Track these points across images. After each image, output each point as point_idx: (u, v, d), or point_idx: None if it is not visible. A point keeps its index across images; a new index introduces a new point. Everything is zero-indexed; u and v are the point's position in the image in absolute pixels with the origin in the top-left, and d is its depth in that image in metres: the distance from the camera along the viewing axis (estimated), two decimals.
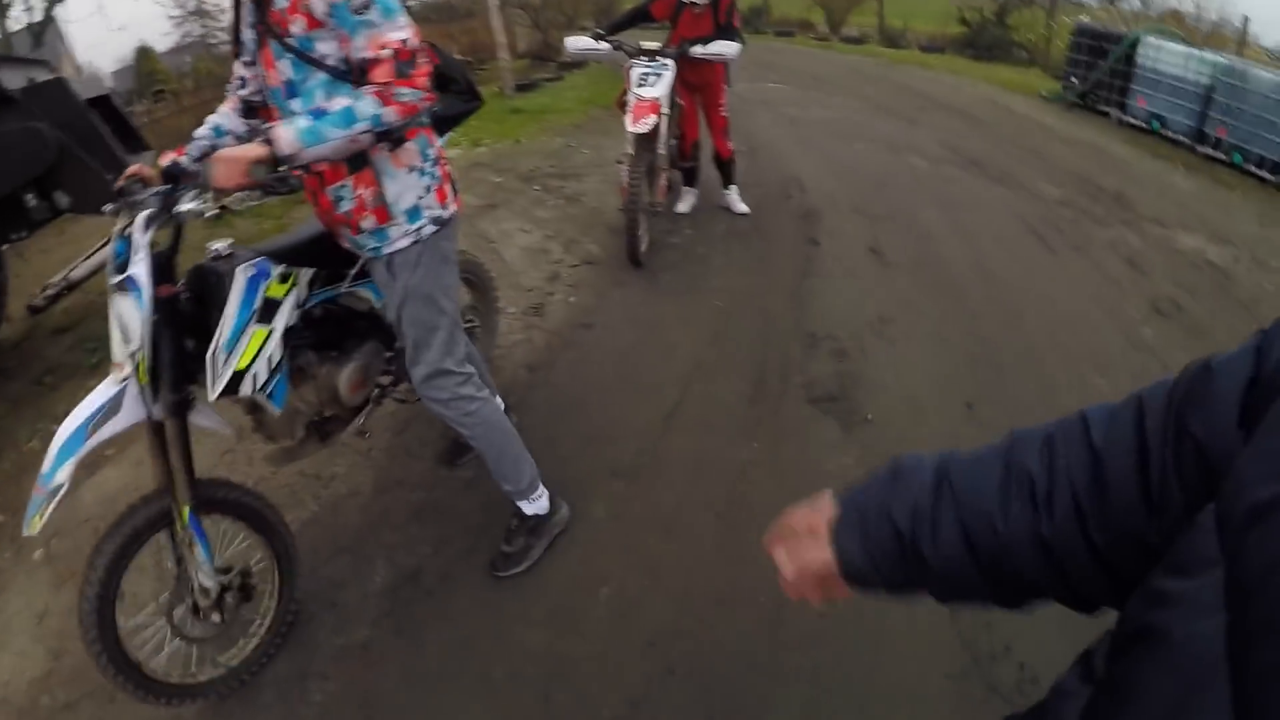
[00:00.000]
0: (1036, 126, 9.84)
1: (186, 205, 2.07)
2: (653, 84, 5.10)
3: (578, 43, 5.58)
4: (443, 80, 2.58)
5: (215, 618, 2.42)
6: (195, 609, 2.40)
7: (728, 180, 6.24)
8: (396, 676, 2.55)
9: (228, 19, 2.31)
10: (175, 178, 2.31)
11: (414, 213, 2.42)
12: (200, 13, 26.59)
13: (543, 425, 3.45)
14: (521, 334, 4.48)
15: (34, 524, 2.13)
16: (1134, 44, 10.09)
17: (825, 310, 4.61)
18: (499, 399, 3.10)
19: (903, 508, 0.90)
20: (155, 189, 2.17)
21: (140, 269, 2.09)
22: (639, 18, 5.84)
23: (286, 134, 2.00)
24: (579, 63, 14.18)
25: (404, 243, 2.43)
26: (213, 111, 2.59)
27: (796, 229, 5.91)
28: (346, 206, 2.35)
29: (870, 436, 3.48)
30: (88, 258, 6.18)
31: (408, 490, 3.34)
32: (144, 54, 27.08)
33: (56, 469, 2.13)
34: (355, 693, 2.51)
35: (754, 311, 4.64)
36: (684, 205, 6.28)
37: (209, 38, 26.96)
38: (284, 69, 2.18)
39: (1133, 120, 10.10)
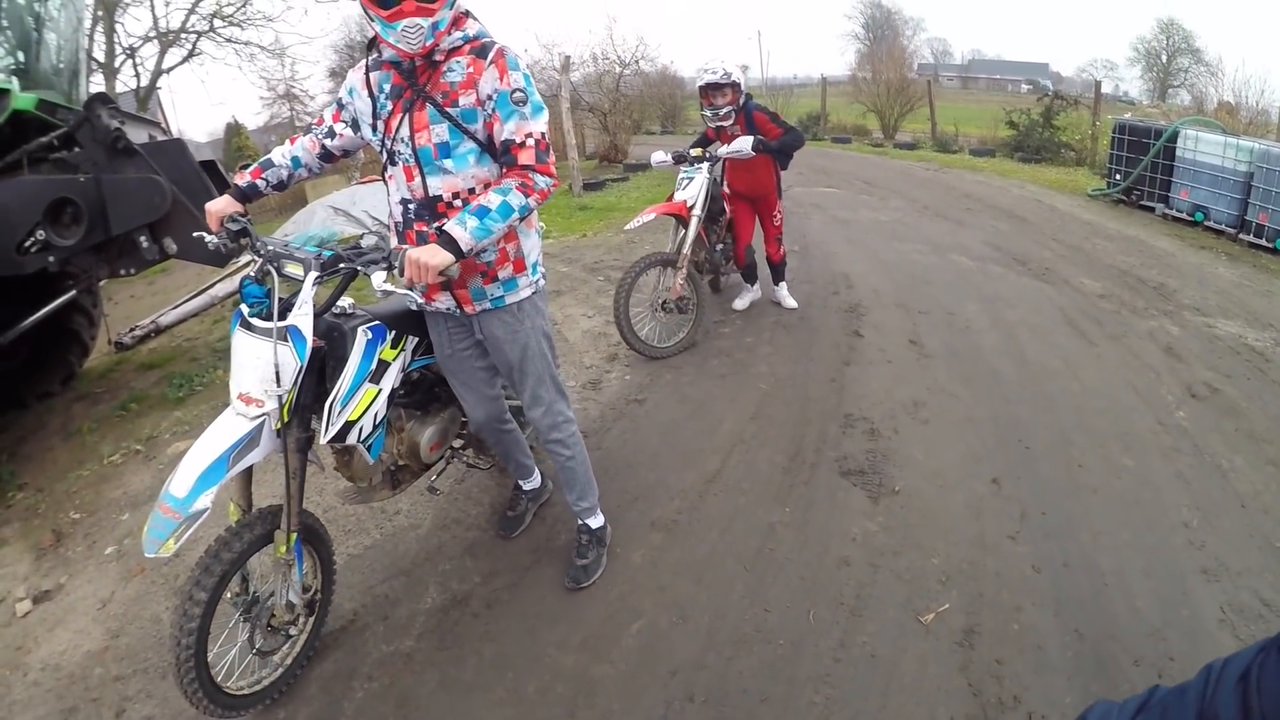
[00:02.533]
0: (1080, 224, 9.94)
1: (383, 285, 2.37)
2: (684, 187, 5.54)
3: (657, 156, 6.09)
4: None
5: (292, 630, 2.73)
6: (269, 625, 2.67)
7: (777, 278, 6.50)
8: (435, 683, 2.82)
9: (349, 82, 2.77)
10: (248, 198, 2.80)
11: (534, 267, 2.87)
12: (289, 96, 28.25)
13: None
14: (579, 405, 4.82)
15: (168, 546, 2.24)
16: (1173, 136, 10.08)
17: (862, 395, 4.80)
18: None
19: None
20: (300, 245, 2.54)
21: (305, 322, 2.40)
22: (701, 143, 6.07)
23: (463, 235, 2.36)
24: (644, 165, 14.83)
25: (527, 292, 2.85)
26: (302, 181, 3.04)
27: (841, 322, 6.14)
28: (489, 257, 2.71)
29: (896, 506, 3.65)
30: (176, 307, 6.69)
31: (464, 529, 3.68)
32: (234, 129, 28.86)
33: (197, 495, 2.27)
34: (395, 693, 2.79)
35: (795, 394, 4.88)
36: (741, 303, 6.53)
37: (296, 120, 28.58)
38: (439, 133, 2.54)
39: (1176, 213, 10.05)
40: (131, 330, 6.97)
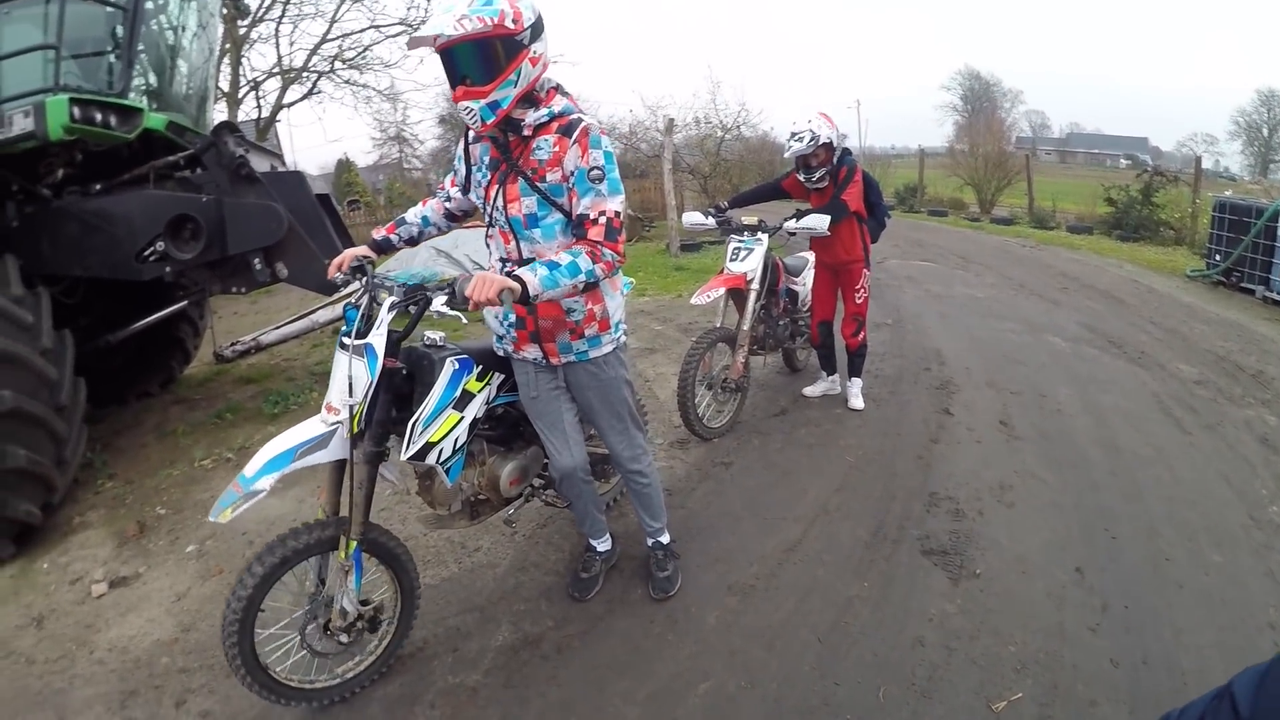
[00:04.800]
0: (1178, 306, 9.72)
1: (440, 306, 2.47)
2: (743, 258, 5.29)
3: (691, 218, 5.67)
4: None
5: (343, 638, 2.82)
6: (325, 627, 2.80)
7: (852, 371, 5.97)
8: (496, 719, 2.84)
9: (457, 151, 3.02)
10: (382, 249, 3.03)
11: (617, 325, 3.10)
12: (399, 139, 29.16)
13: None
14: (665, 463, 4.88)
15: (225, 514, 2.49)
16: (1274, 215, 9.73)
17: (949, 474, 4.74)
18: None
19: None
20: (401, 280, 2.73)
21: (379, 341, 2.58)
22: (769, 194, 5.85)
23: (533, 279, 2.48)
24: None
25: (609, 348, 3.08)
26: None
27: (931, 399, 6.07)
28: (577, 316, 2.94)
29: (976, 589, 3.58)
30: (278, 328, 6.97)
31: (542, 573, 3.74)
32: (345, 165, 30.01)
33: (260, 476, 2.52)
34: None
35: (882, 469, 4.84)
36: (813, 390, 6.17)
37: (404, 161, 29.43)
38: (529, 204, 2.75)
39: (1277, 296, 9.69)
40: (233, 344, 7.26)
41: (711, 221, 5.58)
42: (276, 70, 19.10)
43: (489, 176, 2.84)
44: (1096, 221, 17.53)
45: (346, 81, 20.30)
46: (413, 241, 3.23)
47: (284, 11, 18.02)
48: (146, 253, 5.07)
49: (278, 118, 19.77)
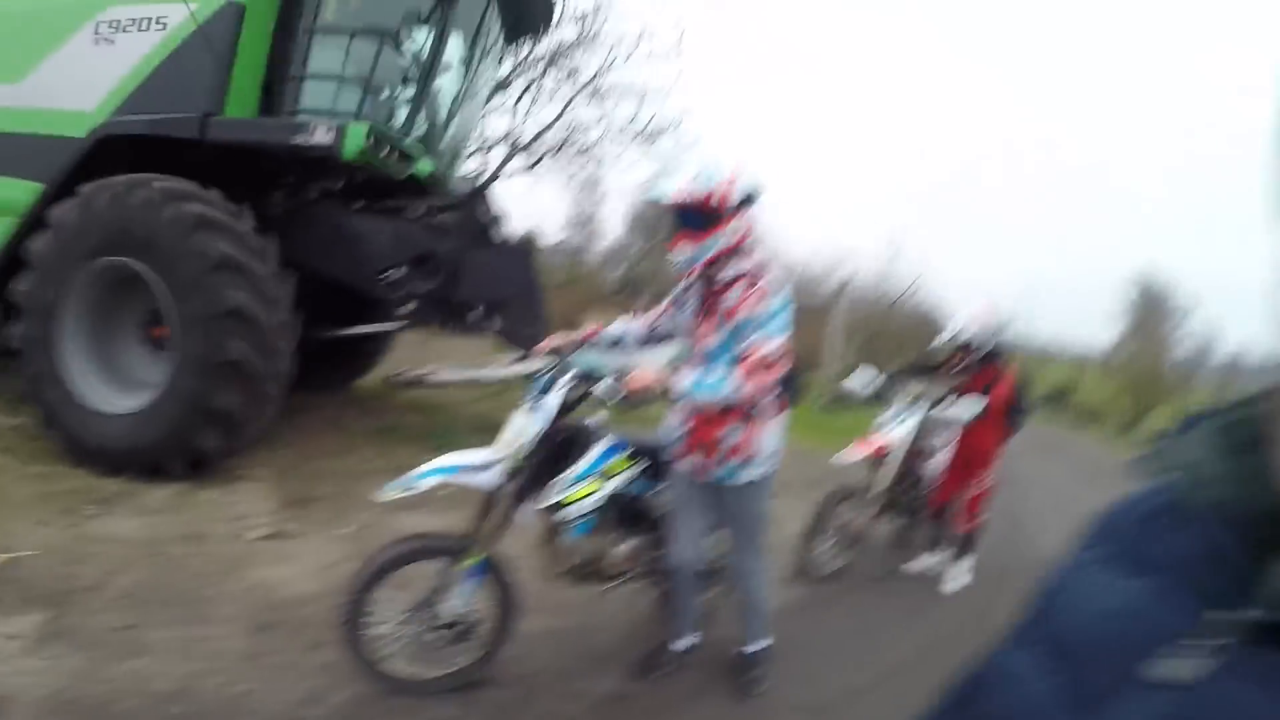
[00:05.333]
0: None
1: (604, 388, 3.02)
2: (893, 429, 5.53)
3: (859, 380, 5.94)
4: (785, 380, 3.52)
5: (429, 636, 3.24)
6: (421, 621, 3.24)
7: (960, 551, 5.94)
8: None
9: (684, 282, 3.46)
10: (580, 345, 3.53)
11: (766, 458, 3.40)
12: (588, 224, 29.79)
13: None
14: (772, 591, 5.10)
15: (390, 494, 3.03)
16: None
17: None
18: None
19: None
20: (583, 360, 3.32)
21: (553, 403, 3.13)
22: (926, 371, 6.11)
23: (683, 383, 2.95)
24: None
25: (757, 474, 3.39)
26: (580, 312, 3.90)
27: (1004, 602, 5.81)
28: (732, 441, 3.28)
29: None
30: (447, 371, 7.54)
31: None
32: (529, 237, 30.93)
33: (428, 476, 3.04)
34: None
35: (960, 650, 4.92)
36: (919, 565, 6.10)
37: (583, 249, 30.11)
38: (717, 338, 3.19)
39: None
40: (400, 374, 7.90)
41: (878, 383, 5.88)
42: (509, 140, 20.09)
43: (695, 308, 3.37)
44: None
45: (565, 166, 21.10)
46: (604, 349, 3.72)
47: (527, 89, 18.91)
48: (385, 274, 5.72)
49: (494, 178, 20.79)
